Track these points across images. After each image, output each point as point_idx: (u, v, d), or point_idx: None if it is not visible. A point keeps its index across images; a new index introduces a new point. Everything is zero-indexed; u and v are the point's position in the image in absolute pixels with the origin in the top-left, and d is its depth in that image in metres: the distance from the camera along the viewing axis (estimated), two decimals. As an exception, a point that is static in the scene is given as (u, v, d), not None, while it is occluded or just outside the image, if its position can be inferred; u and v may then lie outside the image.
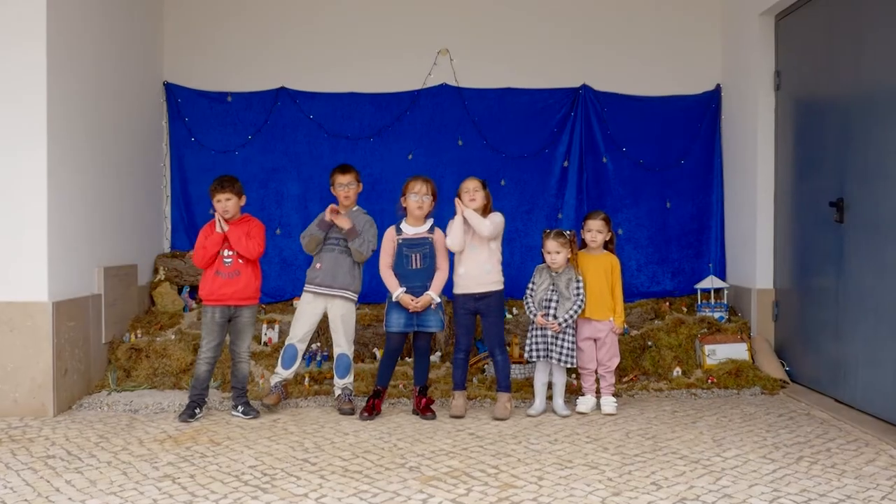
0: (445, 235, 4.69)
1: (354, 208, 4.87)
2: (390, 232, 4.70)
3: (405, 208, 4.69)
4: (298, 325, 4.80)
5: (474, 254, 4.64)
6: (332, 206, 4.73)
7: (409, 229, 4.66)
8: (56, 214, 4.63)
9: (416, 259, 4.58)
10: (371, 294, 6.26)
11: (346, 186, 4.80)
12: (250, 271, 4.59)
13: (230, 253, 4.54)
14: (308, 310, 4.79)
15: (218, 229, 4.53)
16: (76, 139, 4.89)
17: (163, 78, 6.40)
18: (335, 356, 4.81)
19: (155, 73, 6.30)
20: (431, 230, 4.67)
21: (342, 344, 4.78)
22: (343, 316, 4.77)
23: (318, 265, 4.78)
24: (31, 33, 4.48)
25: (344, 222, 4.68)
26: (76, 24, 4.88)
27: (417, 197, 4.60)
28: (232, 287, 4.52)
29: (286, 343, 4.82)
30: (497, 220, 4.65)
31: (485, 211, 4.68)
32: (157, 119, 6.34)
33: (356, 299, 4.84)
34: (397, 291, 4.56)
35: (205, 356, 4.55)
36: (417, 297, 4.55)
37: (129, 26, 5.77)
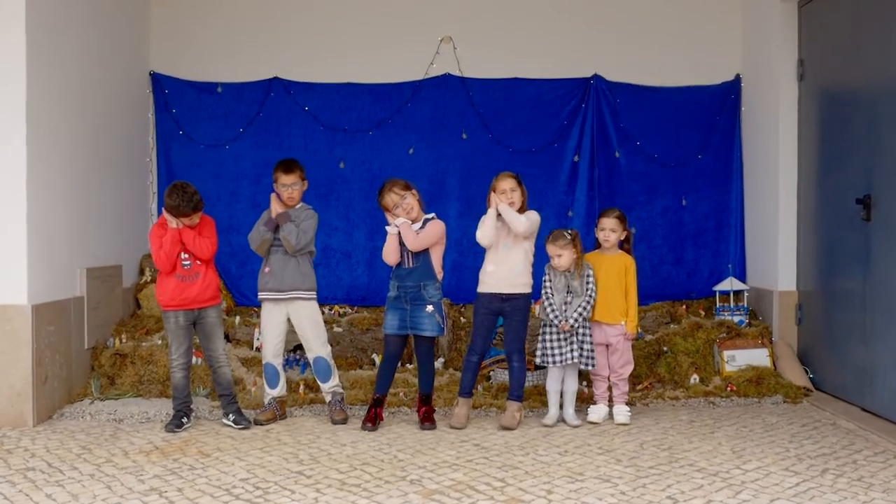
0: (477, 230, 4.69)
1: (298, 205, 4.83)
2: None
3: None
4: (267, 340, 4.78)
5: (507, 253, 4.63)
6: (273, 195, 4.76)
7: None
8: (36, 212, 4.62)
9: (408, 258, 4.58)
10: (370, 297, 6.27)
11: (289, 187, 4.74)
12: (210, 271, 4.63)
13: (188, 255, 4.56)
14: (271, 322, 4.78)
15: (172, 226, 4.52)
16: (57, 132, 4.89)
17: (149, 67, 6.39)
18: (311, 361, 4.81)
19: (141, 63, 6.30)
20: (423, 225, 4.64)
21: (314, 347, 4.77)
22: (307, 317, 4.76)
23: (266, 269, 4.77)
24: (10, 20, 4.48)
25: (276, 207, 4.72)
26: (57, 9, 4.88)
27: (399, 207, 4.60)
28: (194, 289, 4.55)
29: (263, 362, 4.81)
30: (533, 217, 4.63)
31: (521, 209, 4.66)
32: (144, 111, 6.33)
33: (314, 296, 4.81)
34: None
35: (178, 363, 4.57)
36: (411, 300, 4.56)
37: (114, 12, 5.77)
